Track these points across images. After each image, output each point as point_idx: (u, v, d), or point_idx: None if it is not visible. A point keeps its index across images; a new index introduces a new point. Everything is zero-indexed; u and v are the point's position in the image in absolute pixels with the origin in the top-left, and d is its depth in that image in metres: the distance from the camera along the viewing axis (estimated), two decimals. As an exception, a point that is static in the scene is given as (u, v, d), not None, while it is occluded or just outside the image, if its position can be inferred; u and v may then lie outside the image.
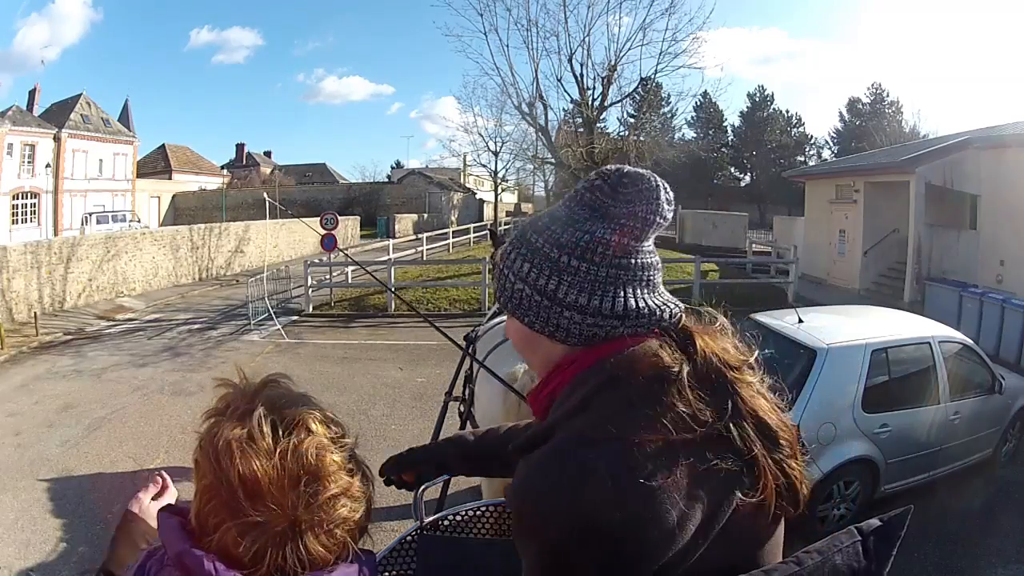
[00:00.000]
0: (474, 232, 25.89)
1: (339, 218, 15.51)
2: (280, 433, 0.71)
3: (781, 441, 0.75)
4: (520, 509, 0.72)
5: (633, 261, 0.80)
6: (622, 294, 0.78)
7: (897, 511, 0.73)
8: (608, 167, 0.85)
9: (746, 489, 0.71)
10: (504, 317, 3.36)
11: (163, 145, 40.44)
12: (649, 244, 0.82)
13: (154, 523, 0.93)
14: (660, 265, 0.84)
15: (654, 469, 0.67)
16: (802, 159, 42.95)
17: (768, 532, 0.76)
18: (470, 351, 3.20)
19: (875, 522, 0.72)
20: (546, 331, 0.80)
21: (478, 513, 1.56)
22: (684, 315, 0.83)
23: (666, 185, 0.83)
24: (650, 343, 0.77)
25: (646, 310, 0.79)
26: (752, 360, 0.81)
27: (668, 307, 0.81)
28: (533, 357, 0.86)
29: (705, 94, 32.12)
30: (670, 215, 0.82)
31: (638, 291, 0.79)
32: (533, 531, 0.70)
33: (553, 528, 0.68)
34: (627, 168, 0.84)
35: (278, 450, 0.69)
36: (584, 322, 0.78)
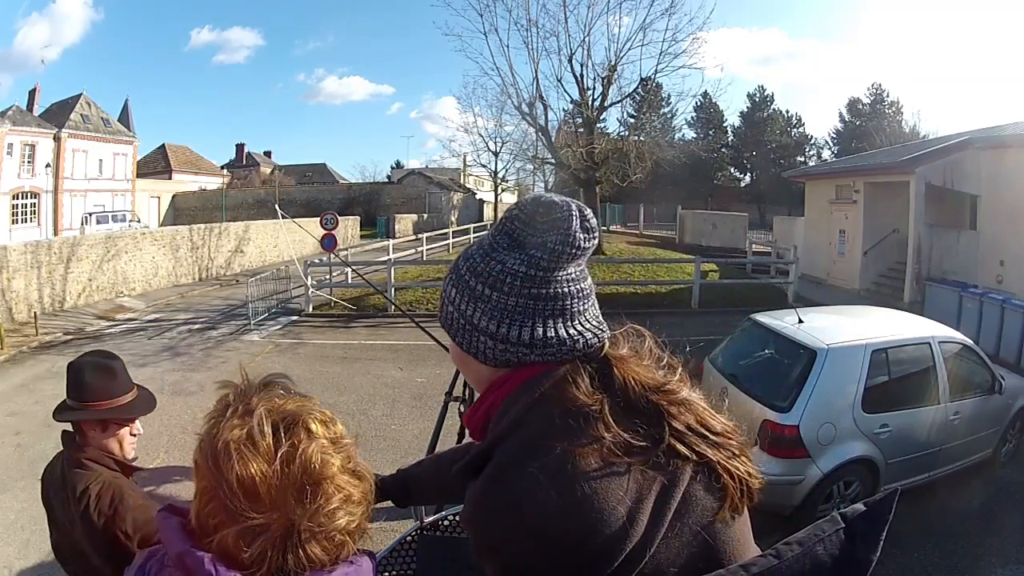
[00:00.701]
0: (474, 232, 25.87)
1: (339, 218, 15.51)
2: (280, 435, 0.70)
3: (722, 442, 0.78)
4: (476, 533, 0.75)
5: (545, 291, 0.80)
6: (530, 323, 0.80)
7: (882, 494, 0.72)
8: (528, 196, 0.87)
9: (697, 485, 0.75)
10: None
11: (163, 145, 40.47)
12: (568, 272, 0.82)
13: None
14: (586, 292, 0.84)
15: (593, 472, 0.70)
16: (802, 159, 42.90)
17: (731, 526, 0.78)
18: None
19: (860, 507, 0.70)
20: (469, 352, 0.85)
21: (478, 513, 1.56)
22: (604, 344, 0.83)
23: (586, 213, 0.83)
24: (561, 373, 0.79)
25: (554, 340, 0.80)
26: (676, 377, 0.82)
27: (584, 337, 0.81)
28: (468, 375, 0.91)
29: (705, 94, 32.16)
30: (587, 244, 0.81)
31: (549, 321, 0.80)
32: (492, 551, 0.73)
33: (510, 545, 0.71)
34: (544, 197, 0.85)
35: (278, 453, 0.69)
36: (496, 347, 0.82)
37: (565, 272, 0.81)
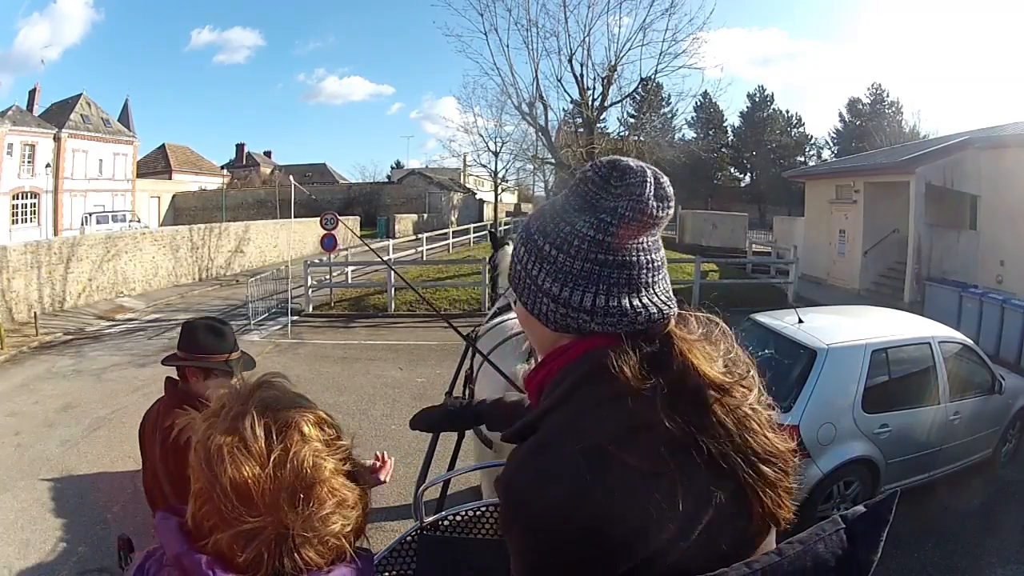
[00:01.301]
0: (474, 232, 25.88)
1: (339, 218, 15.51)
2: (272, 438, 0.70)
3: (765, 468, 0.74)
4: (503, 500, 0.77)
5: (612, 258, 0.78)
6: (593, 290, 0.78)
7: (882, 496, 0.72)
8: (604, 159, 0.83)
9: (727, 497, 0.72)
10: (503, 317, 3.35)
11: (163, 145, 40.43)
12: (639, 240, 0.79)
13: None
14: (657, 264, 0.81)
15: (620, 472, 0.69)
16: (802, 159, 42.91)
17: (756, 540, 0.76)
18: (471, 346, 3.21)
19: (860, 509, 0.71)
20: (533, 313, 0.83)
21: (478, 513, 1.56)
22: (669, 320, 0.80)
23: (661, 180, 0.80)
24: (615, 352, 0.76)
25: (616, 309, 0.77)
26: (742, 380, 0.78)
27: (648, 310, 0.78)
28: (531, 337, 0.89)
29: (705, 94, 32.16)
30: (661, 212, 0.79)
31: (614, 290, 0.78)
32: (511, 523, 0.76)
33: (527, 521, 0.72)
34: (621, 160, 0.81)
35: (270, 457, 0.69)
36: (556, 311, 0.80)
37: (636, 240, 0.79)
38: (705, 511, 0.70)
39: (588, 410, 0.74)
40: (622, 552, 0.69)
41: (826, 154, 43.56)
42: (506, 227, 28.66)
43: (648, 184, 0.78)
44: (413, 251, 19.65)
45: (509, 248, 3.81)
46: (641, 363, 0.74)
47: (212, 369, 1.98)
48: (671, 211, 0.81)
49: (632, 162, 0.81)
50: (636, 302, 0.78)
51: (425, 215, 33.93)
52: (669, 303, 0.81)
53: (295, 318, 11.76)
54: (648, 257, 0.80)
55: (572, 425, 0.74)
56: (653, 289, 0.80)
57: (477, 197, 41.53)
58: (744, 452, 0.73)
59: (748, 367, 0.80)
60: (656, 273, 0.80)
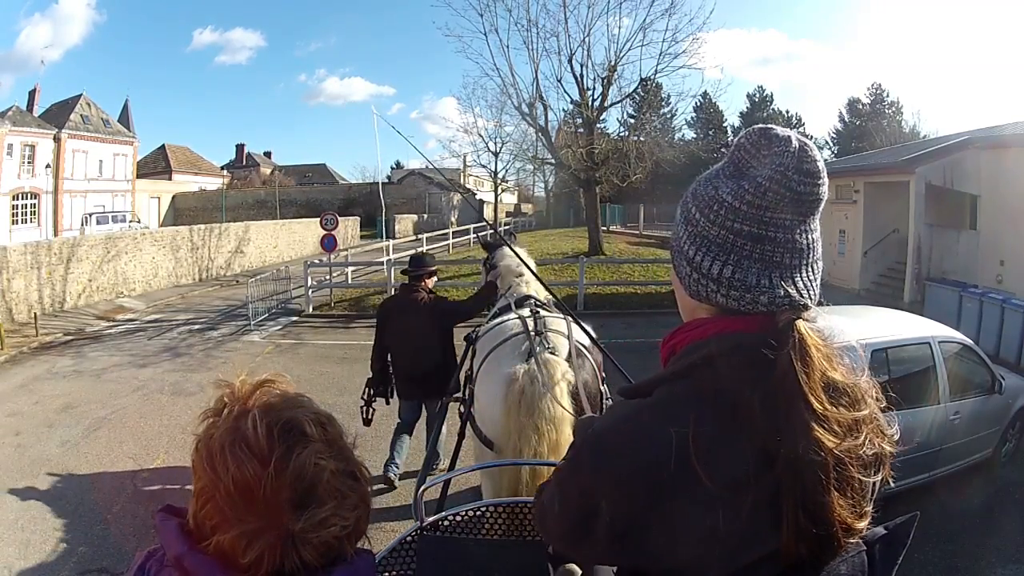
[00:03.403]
0: (474, 232, 25.87)
1: (339, 218, 15.53)
2: (274, 437, 0.70)
3: (821, 518, 0.67)
4: (589, 446, 0.79)
5: (747, 229, 0.74)
6: (723, 258, 0.75)
7: (903, 519, 0.72)
8: (758, 125, 0.80)
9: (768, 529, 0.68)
10: (503, 317, 3.34)
11: (163, 145, 40.44)
12: (782, 216, 0.73)
13: None
14: (798, 246, 0.75)
15: (692, 485, 0.68)
16: (802, 159, 42.90)
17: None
18: (471, 350, 3.21)
19: (880, 531, 0.72)
20: (678, 275, 0.83)
21: (478, 514, 1.56)
22: (799, 311, 0.75)
23: (809, 153, 0.74)
24: (743, 339, 0.73)
25: (740, 283, 0.74)
26: (857, 404, 0.73)
27: (774, 292, 0.73)
28: (678, 300, 0.87)
29: (705, 95, 32.02)
30: (804, 187, 0.73)
31: (745, 263, 0.74)
32: (594, 470, 0.76)
33: (616, 475, 0.73)
34: (772, 129, 0.77)
35: (272, 456, 0.69)
36: (691, 275, 0.78)
37: (777, 215, 0.73)
38: (753, 550, 0.67)
39: (693, 397, 0.72)
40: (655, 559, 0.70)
41: (826, 154, 43.47)
42: (506, 227, 28.65)
43: (791, 155, 0.73)
44: (413, 251, 19.64)
45: (506, 248, 3.79)
46: (748, 363, 0.71)
47: (435, 272, 4.62)
48: (820, 189, 0.75)
49: (781, 130, 0.77)
50: (764, 281, 0.73)
51: (425, 215, 33.91)
52: (804, 293, 0.75)
53: (295, 318, 11.77)
54: (787, 236, 0.74)
55: (675, 405, 0.73)
56: (789, 270, 0.75)
57: (477, 197, 41.52)
58: (803, 499, 0.67)
59: (879, 423, 0.77)
60: (796, 256, 0.75)
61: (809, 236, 0.76)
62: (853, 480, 0.70)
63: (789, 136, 0.76)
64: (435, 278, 4.68)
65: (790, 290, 0.74)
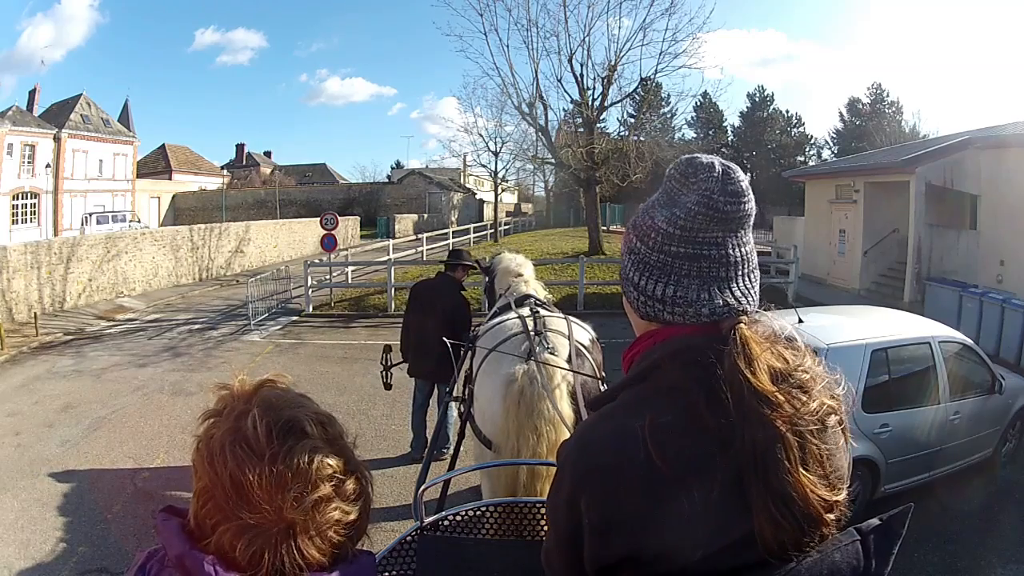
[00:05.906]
0: (474, 232, 25.88)
1: (339, 218, 15.52)
2: (275, 436, 0.70)
3: (775, 510, 0.69)
4: (573, 451, 0.82)
5: (683, 250, 0.81)
6: (664, 280, 0.82)
7: (897, 510, 0.73)
8: (684, 156, 0.87)
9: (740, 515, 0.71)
10: (503, 317, 3.35)
11: (163, 145, 40.44)
12: (712, 234, 0.80)
13: None
14: (733, 259, 0.81)
15: (651, 471, 0.73)
16: (802, 159, 42.82)
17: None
18: (471, 346, 3.21)
19: (875, 521, 0.73)
20: (627, 299, 0.90)
21: (478, 514, 1.56)
22: (738, 317, 0.80)
23: (731, 175, 0.81)
24: (687, 343, 0.80)
25: (681, 299, 0.81)
26: (801, 396, 0.74)
27: (713, 302, 0.80)
28: (631, 321, 0.94)
29: (705, 94, 32.09)
30: (730, 207, 0.79)
31: (684, 281, 0.81)
32: (580, 473, 0.80)
33: (600, 473, 0.77)
34: (696, 158, 0.85)
35: (273, 455, 0.69)
36: (637, 298, 0.86)
37: (708, 234, 0.81)
38: (727, 534, 0.71)
39: (651, 396, 0.79)
40: (616, 555, 0.74)
41: (826, 154, 43.50)
42: (506, 227, 28.64)
43: (715, 179, 0.81)
44: (413, 251, 19.64)
45: (505, 253, 4.09)
46: (692, 362, 0.77)
47: (469, 267, 4.91)
48: (745, 206, 0.82)
49: (705, 158, 0.84)
50: (704, 295, 0.80)
51: (425, 215, 33.92)
52: (743, 300, 0.82)
53: (295, 318, 11.76)
54: (722, 252, 0.81)
55: (638, 404, 0.79)
56: (727, 284, 0.81)
57: (477, 197, 41.51)
58: (765, 479, 0.70)
59: (829, 388, 0.78)
60: (732, 269, 0.82)
61: (741, 249, 0.83)
62: (814, 451, 0.73)
63: (712, 162, 0.83)
64: (467, 274, 4.96)
65: (728, 299, 0.81)
